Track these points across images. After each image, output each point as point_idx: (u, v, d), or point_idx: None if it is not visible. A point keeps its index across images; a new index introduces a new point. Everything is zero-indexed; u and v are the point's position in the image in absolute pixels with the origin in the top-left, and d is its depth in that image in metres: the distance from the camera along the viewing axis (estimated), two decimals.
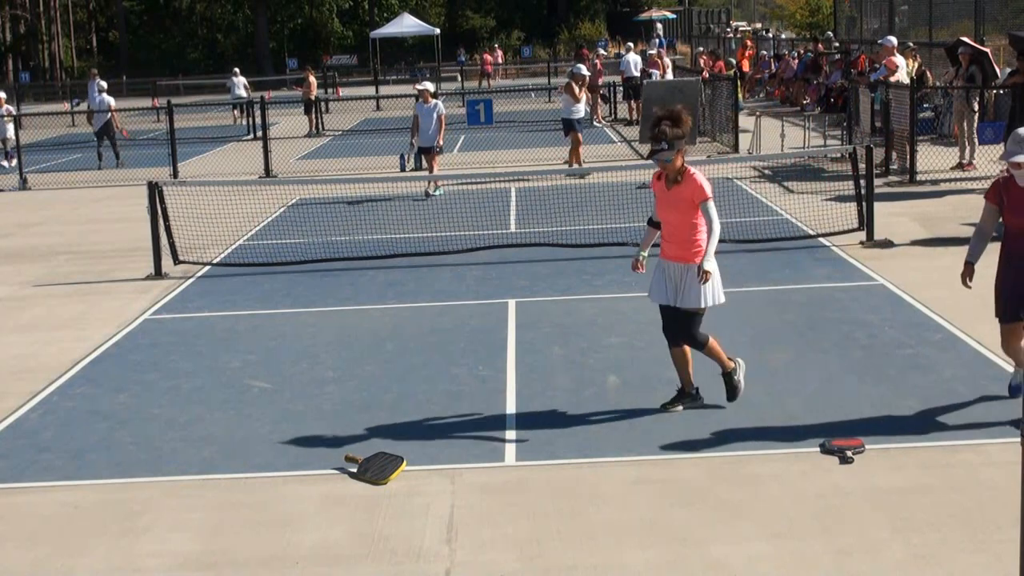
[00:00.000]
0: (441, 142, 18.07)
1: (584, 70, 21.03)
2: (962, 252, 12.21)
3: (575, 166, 20.03)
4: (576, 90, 20.16)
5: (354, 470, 6.82)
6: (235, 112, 35.74)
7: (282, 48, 71.10)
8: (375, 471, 6.76)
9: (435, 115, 17.70)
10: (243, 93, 35.68)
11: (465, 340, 9.66)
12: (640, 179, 17.54)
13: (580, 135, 20.14)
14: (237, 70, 37.71)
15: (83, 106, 33.92)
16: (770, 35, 49.74)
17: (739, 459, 6.76)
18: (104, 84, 26.50)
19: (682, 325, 7.37)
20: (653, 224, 7.66)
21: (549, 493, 6.42)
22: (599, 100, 30.65)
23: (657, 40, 46.05)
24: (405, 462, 6.86)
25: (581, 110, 20.37)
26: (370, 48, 61.39)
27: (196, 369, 9.23)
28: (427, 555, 5.75)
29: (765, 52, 39.55)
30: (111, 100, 25.73)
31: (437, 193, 17.79)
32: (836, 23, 40.57)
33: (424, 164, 18.66)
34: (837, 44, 32.99)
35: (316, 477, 6.82)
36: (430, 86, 18.26)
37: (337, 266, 12.94)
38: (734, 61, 30.52)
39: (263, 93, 34.66)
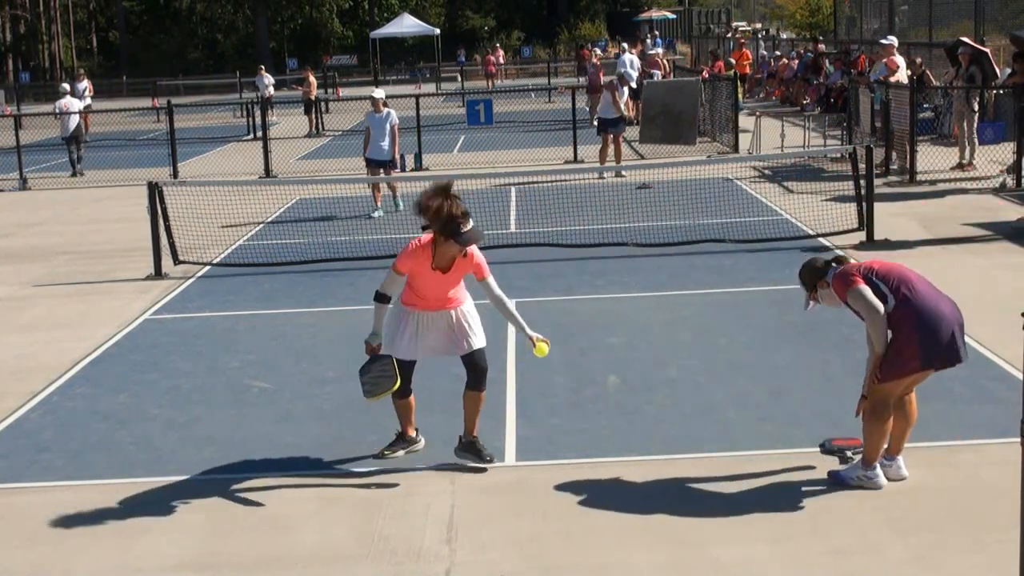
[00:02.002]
0: (398, 155, 16.67)
1: (634, 77, 20.26)
2: (961, 252, 12.30)
3: (602, 164, 19.78)
4: (618, 94, 19.65)
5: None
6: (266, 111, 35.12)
7: (282, 48, 71.13)
8: (370, 384, 6.72)
9: (388, 125, 16.10)
10: (272, 92, 35.61)
11: None
12: (640, 179, 17.56)
13: (611, 136, 19.77)
14: (263, 68, 37.51)
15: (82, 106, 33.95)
16: (759, 36, 49.71)
17: (739, 459, 6.75)
18: (67, 87, 25.60)
19: (482, 367, 6.91)
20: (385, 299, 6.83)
21: (549, 493, 6.42)
22: (601, 99, 30.60)
23: (655, 40, 46.04)
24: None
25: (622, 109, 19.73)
26: (370, 48, 61.42)
27: (196, 369, 9.23)
28: (427, 555, 5.75)
29: (766, 53, 39.55)
30: (78, 103, 25.17)
31: (400, 207, 16.24)
32: (836, 23, 40.59)
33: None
34: (823, 47, 32.96)
35: (316, 477, 6.82)
36: (381, 94, 16.64)
37: (337, 266, 12.94)
38: (734, 61, 30.52)
39: (254, 94, 34.61)
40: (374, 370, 6.72)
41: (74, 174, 23.34)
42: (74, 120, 23.76)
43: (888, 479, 6.30)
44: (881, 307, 6.09)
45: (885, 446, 6.33)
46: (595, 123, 28.28)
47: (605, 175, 18.97)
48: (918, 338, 6.04)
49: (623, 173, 18.77)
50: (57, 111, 24.09)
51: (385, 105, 16.36)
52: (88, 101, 34.94)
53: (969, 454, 6.70)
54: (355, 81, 57.13)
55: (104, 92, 51.17)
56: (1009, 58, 19.91)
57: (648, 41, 45.17)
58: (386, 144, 16.14)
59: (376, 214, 16.15)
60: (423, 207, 6.50)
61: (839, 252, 6.70)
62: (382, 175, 16.26)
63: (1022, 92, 16.18)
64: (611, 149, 19.78)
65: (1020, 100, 16.27)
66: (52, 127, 31.53)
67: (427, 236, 6.65)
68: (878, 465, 6.27)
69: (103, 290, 12.38)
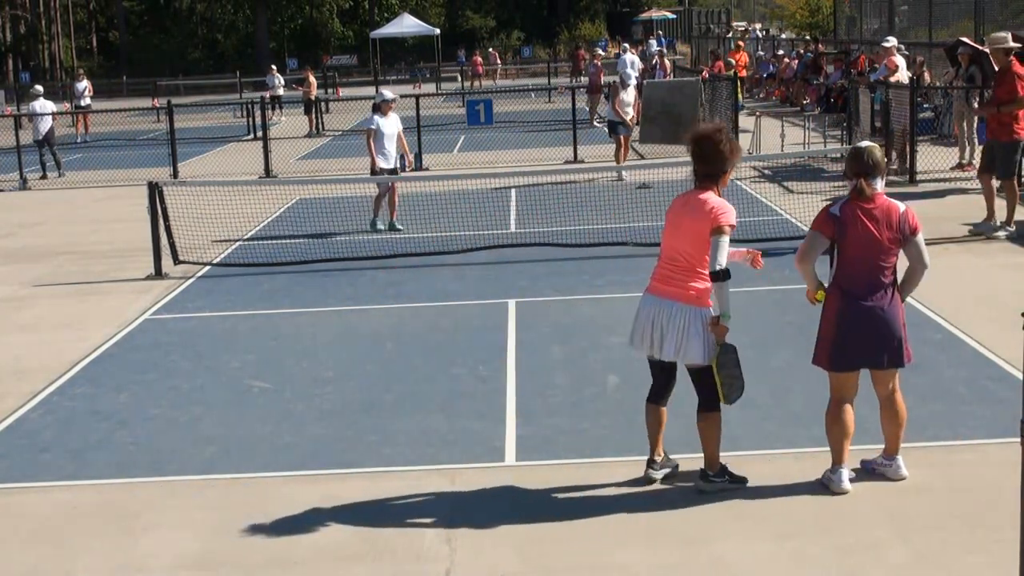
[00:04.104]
0: (411, 157, 15.91)
1: (632, 77, 20.34)
2: (961, 252, 12.29)
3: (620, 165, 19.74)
4: (617, 99, 19.65)
5: None
6: (278, 111, 35.04)
7: (282, 48, 71.16)
8: (728, 387, 6.25)
9: (398, 131, 15.15)
10: (282, 91, 35.75)
11: (465, 340, 9.66)
12: (640, 179, 17.55)
13: (622, 137, 19.78)
14: (274, 67, 37.76)
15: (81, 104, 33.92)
16: (755, 34, 49.70)
17: (740, 459, 6.75)
18: (40, 88, 24.70)
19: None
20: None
21: (549, 493, 6.42)
22: (601, 100, 30.66)
23: (659, 39, 46.14)
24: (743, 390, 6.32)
25: (630, 112, 19.71)
26: (370, 48, 61.48)
27: (196, 369, 9.23)
28: (427, 555, 5.74)
29: (764, 52, 39.54)
30: (52, 105, 24.46)
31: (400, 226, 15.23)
32: (836, 23, 40.59)
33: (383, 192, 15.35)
34: (822, 48, 32.96)
35: (316, 477, 6.82)
36: (391, 94, 15.65)
37: (337, 266, 12.94)
38: (733, 62, 30.50)
39: (263, 93, 34.71)
40: (728, 365, 6.25)
41: (44, 176, 22.88)
42: (46, 123, 23.24)
43: (888, 479, 6.30)
44: (807, 261, 6.37)
45: (849, 448, 6.26)
46: (595, 123, 28.38)
47: (606, 175, 18.96)
48: (831, 337, 6.17)
49: (623, 173, 18.77)
50: (31, 112, 23.57)
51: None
52: (88, 101, 34.93)
53: (969, 454, 6.70)
54: (355, 81, 57.15)
55: (104, 92, 51.21)
56: None
57: (652, 42, 45.32)
58: (395, 150, 15.12)
59: (381, 226, 15.16)
60: (724, 149, 6.57)
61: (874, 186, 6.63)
62: (390, 186, 15.19)
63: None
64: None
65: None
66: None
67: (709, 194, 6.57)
68: (842, 468, 6.22)
69: (103, 290, 12.38)
